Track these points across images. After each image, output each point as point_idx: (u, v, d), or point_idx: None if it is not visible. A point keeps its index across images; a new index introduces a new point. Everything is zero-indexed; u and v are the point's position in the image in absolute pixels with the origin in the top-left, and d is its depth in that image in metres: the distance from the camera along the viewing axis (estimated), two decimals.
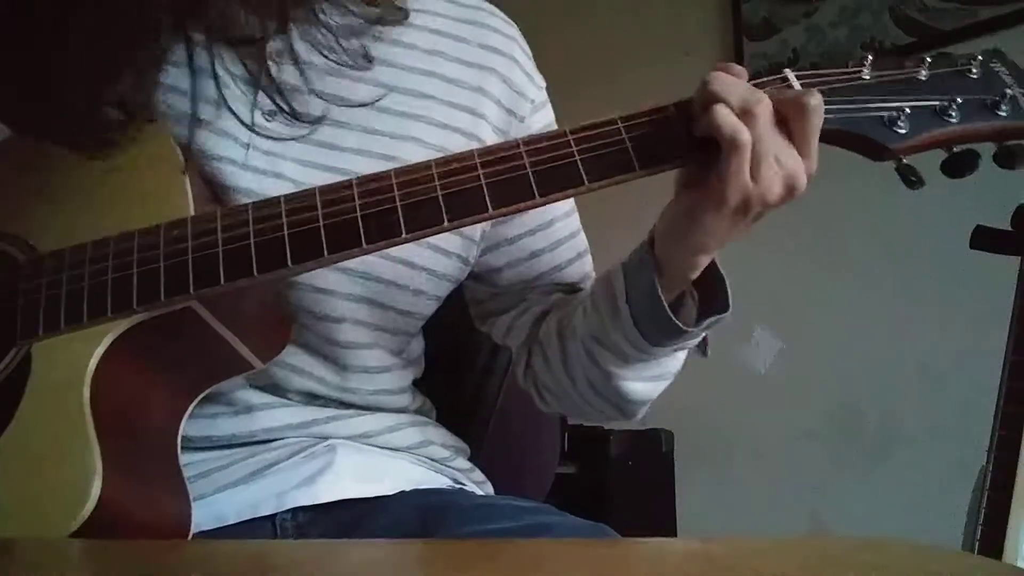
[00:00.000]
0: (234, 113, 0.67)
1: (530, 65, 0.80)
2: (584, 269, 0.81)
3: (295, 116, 0.67)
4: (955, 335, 1.76)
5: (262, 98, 0.67)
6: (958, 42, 1.83)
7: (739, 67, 0.60)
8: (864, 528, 1.85)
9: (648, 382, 0.73)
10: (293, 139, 0.68)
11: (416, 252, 0.69)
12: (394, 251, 0.64)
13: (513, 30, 0.80)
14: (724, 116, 0.57)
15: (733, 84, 0.58)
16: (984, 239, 1.06)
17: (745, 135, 0.56)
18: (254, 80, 0.67)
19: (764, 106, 0.57)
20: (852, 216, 1.86)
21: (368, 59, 0.71)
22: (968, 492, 1.05)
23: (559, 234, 0.79)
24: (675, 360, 0.72)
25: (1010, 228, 1.04)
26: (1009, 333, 1.04)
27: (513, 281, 0.79)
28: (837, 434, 1.96)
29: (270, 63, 0.67)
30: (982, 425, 1.03)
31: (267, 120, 0.67)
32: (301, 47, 0.69)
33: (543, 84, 0.81)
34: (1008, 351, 1.03)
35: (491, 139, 0.74)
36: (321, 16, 0.69)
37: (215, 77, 0.67)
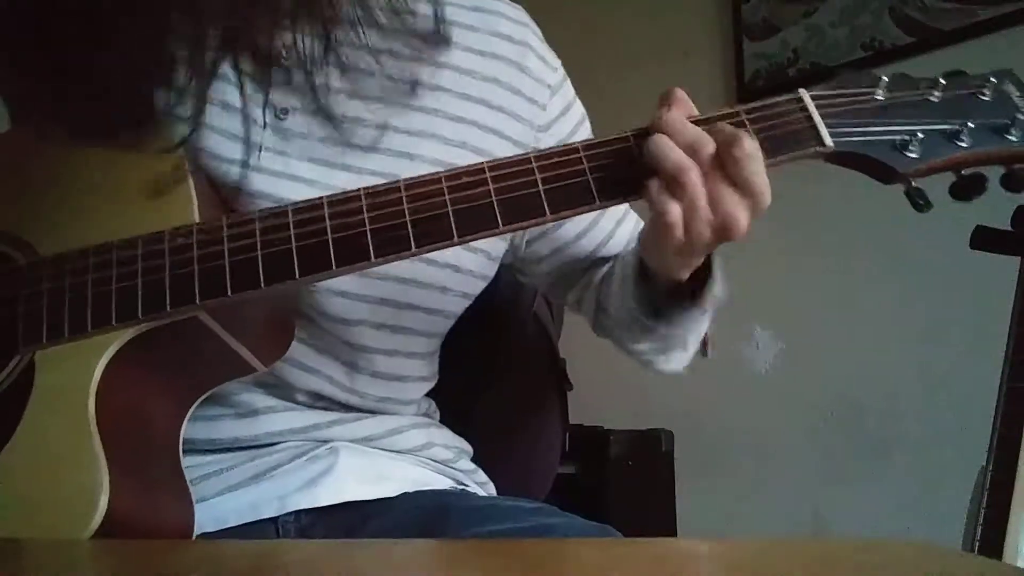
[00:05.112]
0: (256, 115, 0.66)
1: (543, 48, 0.78)
2: (626, 235, 0.82)
3: (330, 118, 0.66)
4: (955, 335, 1.76)
5: (275, 97, 0.66)
6: (958, 42, 1.82)
7: (682, 93, 0.60)
8: (864, 528, 1.85)
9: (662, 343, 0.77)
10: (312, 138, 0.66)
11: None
12: None
13: (521, 13, 0.78)
14: (665, 148, 0.57)
15: (680, 123, 0.58)
16: (984, 239, 1.06)
17: (690, 172, 0.56)
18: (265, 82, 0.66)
19: (704, 153, 0.56)
20: (852, 216, 1.85)
21: (414, 89, 0.69)
22: (968, 492, 1.05)
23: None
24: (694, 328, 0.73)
25: (1010, 228, 1.04)
26: (1009, 333, 1.04)
27: (563, 262, 0.81)
28: (837, 434, 1.96)
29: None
30: (982, 425, 1.03)
31: (280, 119, 0.66)
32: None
33: (557, 63, 0.79)
34: (1008, 351, 1.03)
35: (512, 132, 0.73)
36: (363, 39, 0.67)
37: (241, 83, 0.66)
